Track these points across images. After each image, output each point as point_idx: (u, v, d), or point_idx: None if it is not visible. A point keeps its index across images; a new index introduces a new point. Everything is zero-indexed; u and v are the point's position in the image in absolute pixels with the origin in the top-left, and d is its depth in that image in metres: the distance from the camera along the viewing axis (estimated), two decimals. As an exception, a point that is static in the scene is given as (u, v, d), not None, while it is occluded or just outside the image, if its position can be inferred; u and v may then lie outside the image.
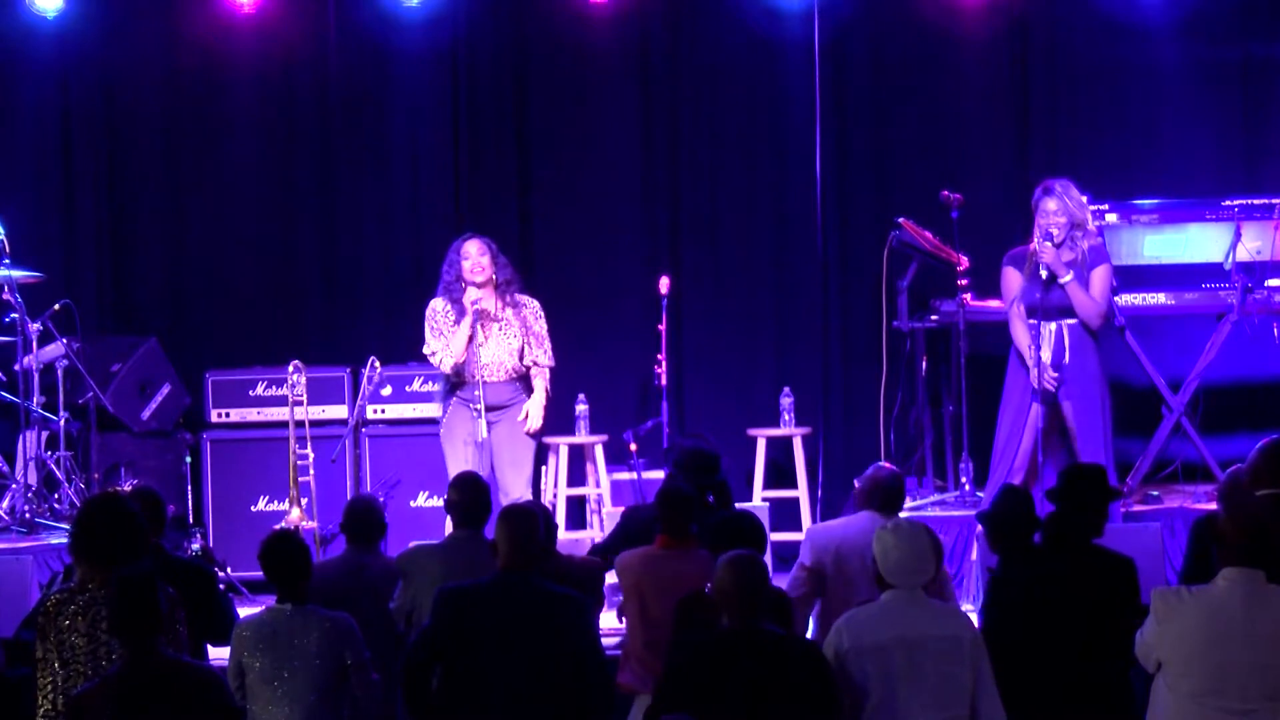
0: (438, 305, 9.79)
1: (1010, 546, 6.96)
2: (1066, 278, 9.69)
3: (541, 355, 9.90)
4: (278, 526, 9.83)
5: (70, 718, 5.73)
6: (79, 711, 5.70)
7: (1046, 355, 9.68)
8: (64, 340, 10.47)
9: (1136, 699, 6.57)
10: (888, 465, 7.89)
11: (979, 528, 9.46)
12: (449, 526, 9.04)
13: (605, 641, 7.50)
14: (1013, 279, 9.88)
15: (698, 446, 8.31)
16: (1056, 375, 9.70)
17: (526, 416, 9.84)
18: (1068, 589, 6.63)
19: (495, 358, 9.72)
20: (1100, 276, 9.81)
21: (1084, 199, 9.95)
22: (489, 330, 9.76)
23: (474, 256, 9.78)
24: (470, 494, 7.47)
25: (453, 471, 9.37)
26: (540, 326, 9.91)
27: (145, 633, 5.68)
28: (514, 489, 9.57)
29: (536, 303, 10.01)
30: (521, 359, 9.86)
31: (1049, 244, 9.73)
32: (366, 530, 7.87)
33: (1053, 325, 9.72)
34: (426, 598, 6.91)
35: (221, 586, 7.70)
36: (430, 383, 10.78)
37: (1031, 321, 9.70)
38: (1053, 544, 6.86)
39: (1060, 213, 9.77)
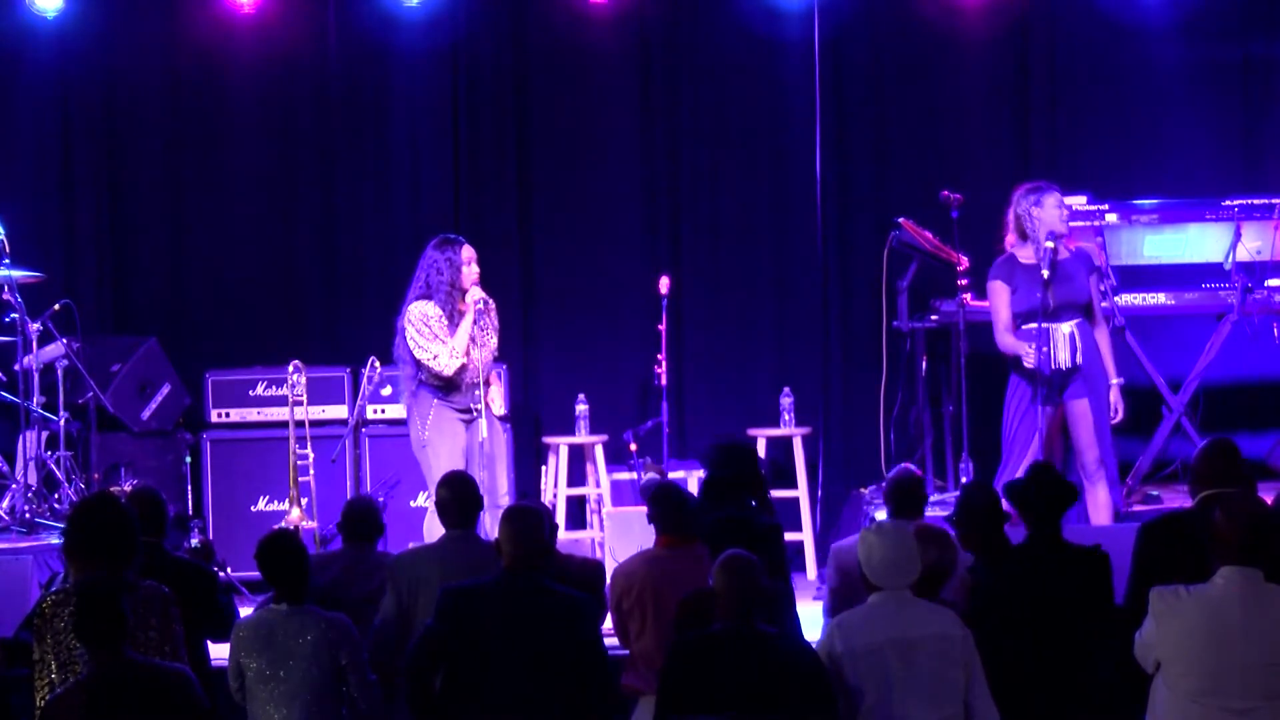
0: (430, 310, 9.61)
1: (981, 545, 6.99)
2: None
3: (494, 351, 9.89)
4: (277, 526, 9.83)
5: None
6: (51, 718, 5.72)
7: (1064, 357, 9.59)
8: (64, 340, 10.47)
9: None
10: (908, 466, 7.87)
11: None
12: (433, 527, 9.11)
13: (607, 641, 7.50)
14: (999, 292, 9.75)
15: (731, 441, 8.18)
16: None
17: (493, 408, 9.80)
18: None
19: (485, 358, 9.69)
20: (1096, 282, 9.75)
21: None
22: (485, 332, 9.73)
23: (473, 264, 9.73)
24: (462, 492, 7.46)
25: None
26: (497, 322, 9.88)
27: (109, 639, 5.68)
28: (503, 487, 9.57)
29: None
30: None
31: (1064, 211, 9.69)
32: (364, 529, 7.88)
33: (1065, 327, 9.60)
34: (426, 599, 6.91)
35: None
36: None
37: (1036, 326, 9.56)
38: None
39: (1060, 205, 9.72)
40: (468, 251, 9.70)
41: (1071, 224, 10.04)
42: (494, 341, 9.76)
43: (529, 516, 6.55)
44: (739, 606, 6.04)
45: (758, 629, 6.06)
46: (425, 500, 10.03)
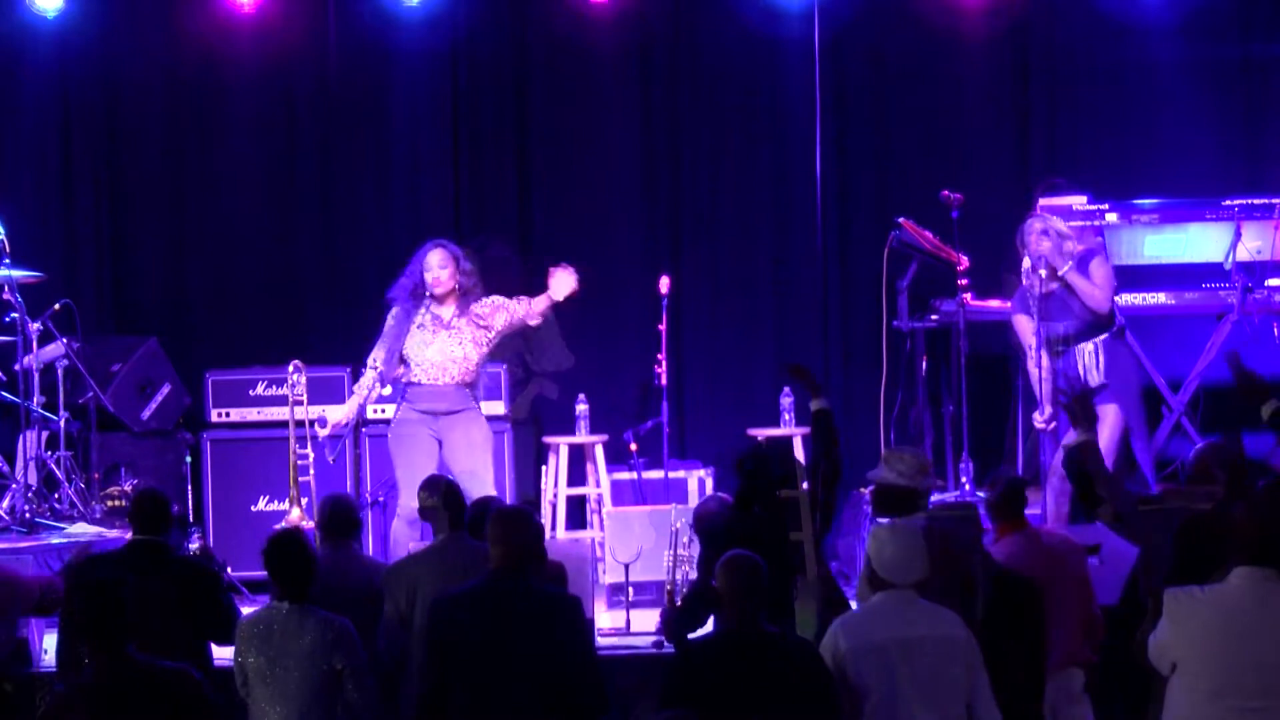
0: (394, 311, 9.78)
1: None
2: (1065, 267, 9.62)
3: (520, 308, 9.81)
4: (278, 526, 9.82)
5: None
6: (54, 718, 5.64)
7: (1095, 375, 9.65)
8: (64, 340, 10.47)
9: None
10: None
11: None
12: (403, 530, 9.12)
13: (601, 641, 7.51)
14: (1022, 324, 9.81)
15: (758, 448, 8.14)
16: (1046, 419, 9.67)
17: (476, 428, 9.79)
18: None
19: (440, 362, 9.68)
20: (1098, 266, 9.76)
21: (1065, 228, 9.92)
22: (436, 335, 9.70)
23: (434, 269, 9.69)
24: (445, 496, 7.46)
25: (403, 477, 9.43)
26: (501, 317, 9.73)
27: (113, 638, 5.62)
28: (474, 490, 9.54)
29: (489, 299, 9.79)
30: (475, 370, 9.78)
31: (1044, 240, 9.68)
32: (346, 528, 7.83)
33: (1089, 346, 9.66)
34: (424, 603, 6.91)
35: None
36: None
37: (1061, 349, 9.65)
38: None
39: (1045, 236, 9.73)
40: (431, 256, 9.68)
41: (1071, 224, 10.06)
42: (460, 351, 9.66)
43: (517, 518, 6.54)
44: (742, 607, 6.03)
45: (762, 629, 6.05)
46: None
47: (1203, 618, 5.86)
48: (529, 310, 9.77)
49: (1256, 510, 5.91)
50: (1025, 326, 9.74)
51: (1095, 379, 9.65)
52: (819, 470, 7.42)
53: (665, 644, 7.34)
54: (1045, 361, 9.66)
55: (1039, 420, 9.70)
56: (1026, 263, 9.68)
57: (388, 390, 10.85)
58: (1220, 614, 5.84)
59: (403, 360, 9.73)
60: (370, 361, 9.79)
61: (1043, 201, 10.59)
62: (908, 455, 7.26)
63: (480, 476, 9.54)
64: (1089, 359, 9.67)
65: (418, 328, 9.67)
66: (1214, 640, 5.84)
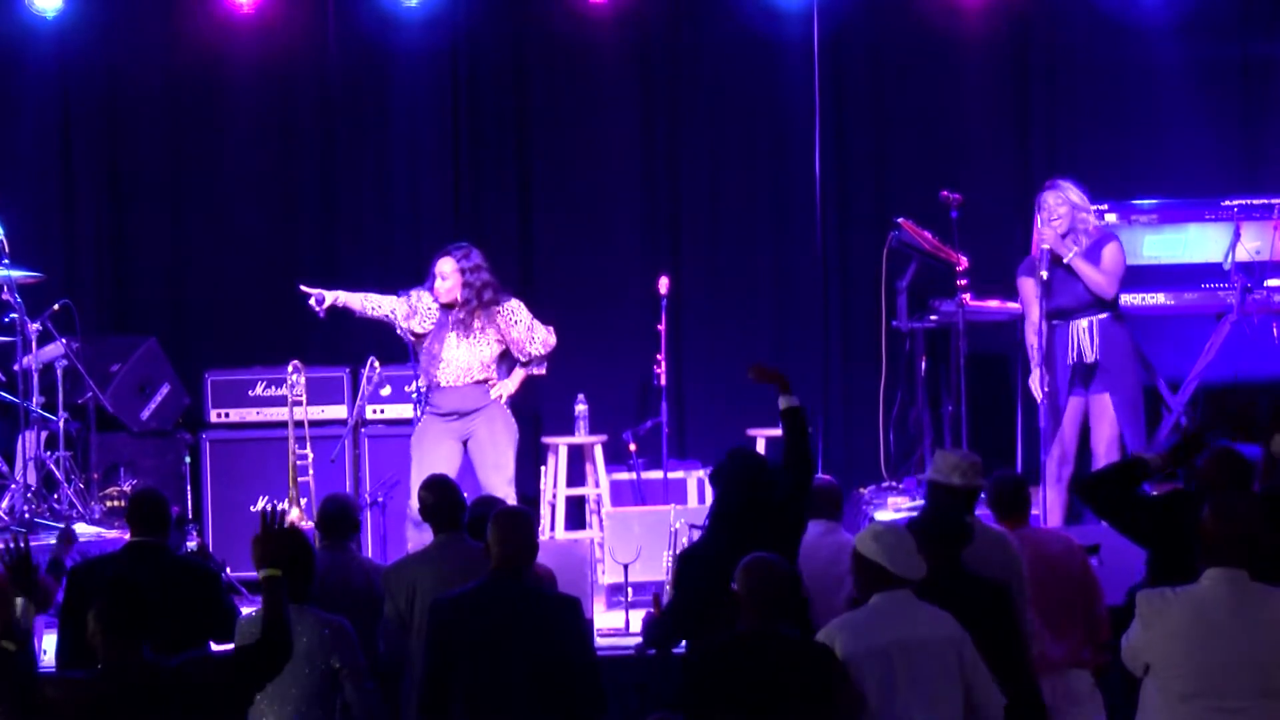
0: (425, 295, 9.86)
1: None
2: (1070, 254, 9.62)
3: (538, 349, 9.89)
4: (279, 526, 9.81)
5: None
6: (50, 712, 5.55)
7: (1089, 352, 9.65)
8: (63, 340, 10.48)
9: None
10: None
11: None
12: (412, 533, 9.13)
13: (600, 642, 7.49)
14: (1027, 288, 9.81)
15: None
16: (1045, 391, 9.67)
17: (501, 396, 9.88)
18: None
19: (462, 364, 9.73)
20: (1111, 251, 9.75)
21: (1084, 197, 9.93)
22: (460, 339, 9.76)
23: (438, 277, 9.80)
24: (445, 495, 7.45)
25: (418, 481, 9.44)
26: (520, 330, 9.84)
27: (131, 638, 5.55)
28: (497, 490, 9.57)
29: (513, 303, 9.92)
30: (495, 365, 9.84)
31: (1048, 229, 9.68)
32: (344, 528, 7.81)
33: (1084, 322, 9.67)
34: (423, 605, 6.90)
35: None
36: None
37: (1056, 322, 9.65)
38: None
39: (1062, 204, 9.72)
40: (441, 264, 9.76)
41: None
42: (486, 352, 9.75)
43: (518, 519, 6.54)
44: (764, 609, 6.02)
45: (780, 632, 6.04)
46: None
47: (1174, 619, 5.85)
48: (525, 355, 9.86)
49: (1226, 512, 5.90)
50: (1029, 291, 9.73)
51: (1090, 356, 9.65)
52: (795, 472, 7.33)
53: (648, 650, 7.33)
54: (1044, 327, 9.66)
55: (1034, 387, 9.68)
56: (1045, 231, 9.64)
57: (387, 390, 10.85)
58: (1191, 615, 5.84)
59: (418, 358, 9.78)
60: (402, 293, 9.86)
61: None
62: (965, 457, 7.32)
63: (503, 471, 9.72)
64: (1083, 335, 9.66)
65: (446, 330, 9.72)
66: (1185, 642, 5.83)
